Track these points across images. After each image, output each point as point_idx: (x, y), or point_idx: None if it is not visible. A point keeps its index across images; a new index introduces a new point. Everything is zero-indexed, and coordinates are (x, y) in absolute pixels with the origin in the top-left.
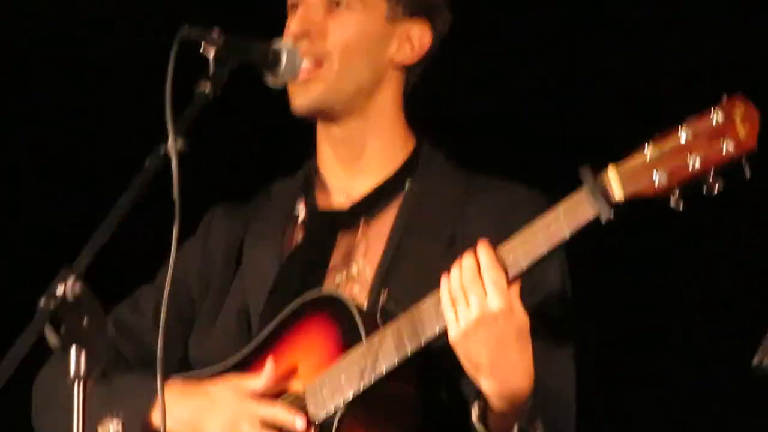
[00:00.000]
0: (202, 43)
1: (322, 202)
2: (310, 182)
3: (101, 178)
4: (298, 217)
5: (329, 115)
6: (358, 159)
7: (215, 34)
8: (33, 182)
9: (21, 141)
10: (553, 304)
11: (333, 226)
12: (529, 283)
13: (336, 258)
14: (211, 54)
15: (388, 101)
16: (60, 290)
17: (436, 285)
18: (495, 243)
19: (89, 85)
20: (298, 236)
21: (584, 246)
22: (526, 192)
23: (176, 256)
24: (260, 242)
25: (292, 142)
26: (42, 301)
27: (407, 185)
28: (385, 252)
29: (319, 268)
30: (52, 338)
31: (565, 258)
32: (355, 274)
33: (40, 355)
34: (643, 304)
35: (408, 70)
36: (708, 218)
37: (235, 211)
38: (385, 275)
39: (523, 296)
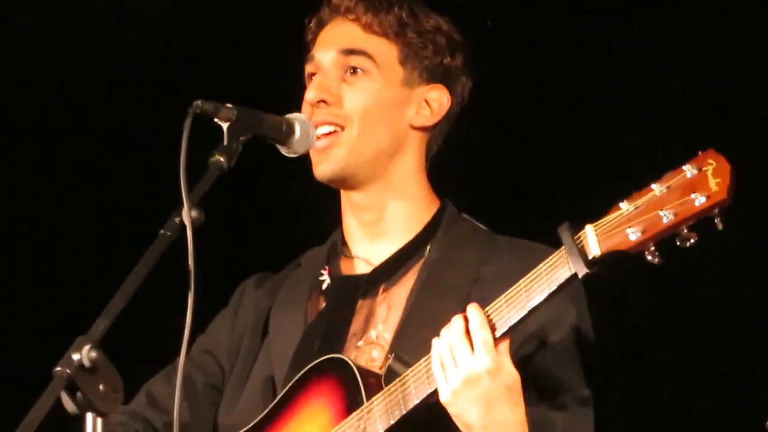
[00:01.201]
0: (216, 116)
1: (345, 269)
2: (335, 250)
3: (117, 246)
4: (322, 284)
5: (351, 182)
6: (380, 225)
7: (228, 106)
8: (48, 249)
9: (37, 207)
10: (565, 352)
11: (354, 293)
12: (539, 334)
13: (357, 324)
14: (224, 126)
15: (409, 164)
16: (76, 357)
17: None
18: None
19: (105, 152)
20: (321, 303)
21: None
22: (544, 252)
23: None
24: (286, 310)
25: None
26: (58, 368)
27: (427, 250)
28: (403, 317)
29: (339, 334)
30: (68, 404)
31: (584, 306)
32: (374, 338)
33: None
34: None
35: (429, 133)
36: None
37: (266, 281)
38: (401, 339)
39: (532, 346)
